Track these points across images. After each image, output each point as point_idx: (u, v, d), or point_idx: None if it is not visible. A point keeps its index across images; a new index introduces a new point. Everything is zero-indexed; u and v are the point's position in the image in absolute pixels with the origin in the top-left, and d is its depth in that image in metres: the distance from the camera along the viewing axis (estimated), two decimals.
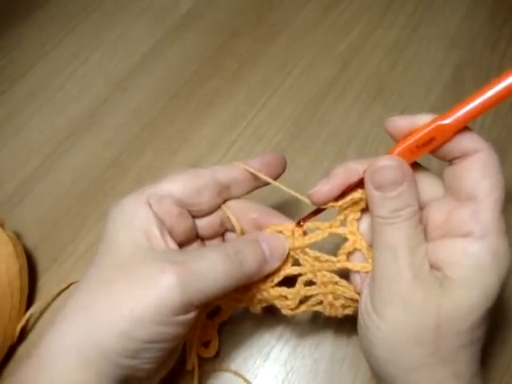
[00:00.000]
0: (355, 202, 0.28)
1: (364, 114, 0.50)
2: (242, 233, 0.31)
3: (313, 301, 0.31)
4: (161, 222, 0.28)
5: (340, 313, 0.31)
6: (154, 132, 0.50)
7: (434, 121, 0.25)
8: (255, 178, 0.31)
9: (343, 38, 0.55)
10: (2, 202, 0.46)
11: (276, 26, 0.57)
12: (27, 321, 0.39)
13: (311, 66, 0.53)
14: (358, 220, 0.29)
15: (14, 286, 0.37)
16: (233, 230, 0.32)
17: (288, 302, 0.30)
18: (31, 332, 0.39)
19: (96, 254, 0.27)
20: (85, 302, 0.25)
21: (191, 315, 0.26)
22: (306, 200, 0.29)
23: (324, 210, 0.29)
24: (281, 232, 0.30)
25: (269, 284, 0.30)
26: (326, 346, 0.38)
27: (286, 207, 0.42)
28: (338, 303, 0.30)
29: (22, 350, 0.39)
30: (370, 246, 0.28)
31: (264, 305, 0.32)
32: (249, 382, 0.36)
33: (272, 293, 0.30)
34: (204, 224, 0.31)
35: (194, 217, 0.31)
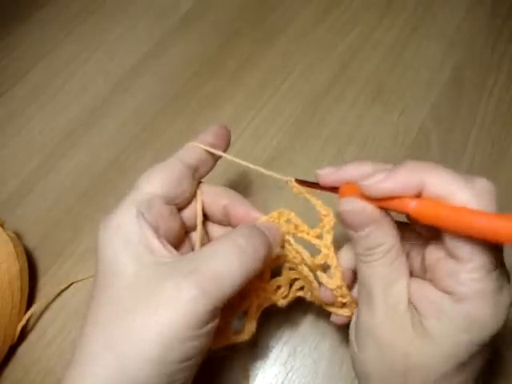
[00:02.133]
0: (331, 218, 0.29)
1: (364, 114, 0.50)
2: (205, 226, 0.32)
3: (297, 285, 0.32)
4: (156, 230, 0.27)
5: (318, 302, 0.31)
6: (154, 132, 0.50)
7: (408, 201, 0.23)
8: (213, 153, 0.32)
9: (343, 39, 0.55)
10: (3, 202, 0.46)
11: (276, 27, 0.57)
12: (28, 320, 0.39)
13: (311, 67, 0.53)
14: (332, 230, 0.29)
15: (15, 285, 0.37)
16: (209, 215, 0.32)
17: (282, 290, 0.31)
18: (32, 332, 0.39)
19: (96, 280, 0.26)
20: (107, 339, 0.23)
21: (217, 320, 0.25)
22: (259, 169, 0.30)
23: (319, 189, 0.29)
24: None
25: (264, 280, 0.31)
26: (326, 347, 0.38)
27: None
28: (316, 292, 0.30)
29: (22, 349, 0.39)
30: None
31: (260, 310, 0.32)
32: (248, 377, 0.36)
33: (269, 288, 0.31)
34: (189, 215, 0.31)
35: (179, 210, 0.31)
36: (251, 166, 0.31)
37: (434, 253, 0.24)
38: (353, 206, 0.25)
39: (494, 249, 0.21)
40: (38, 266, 0.42)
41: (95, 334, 0.24)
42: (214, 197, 0.31)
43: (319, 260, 0.29)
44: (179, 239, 0.30)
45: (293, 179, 0.30)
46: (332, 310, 0.30)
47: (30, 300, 0.40)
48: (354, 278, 0.30)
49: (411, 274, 0.26)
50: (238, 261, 0.25)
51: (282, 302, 0.32)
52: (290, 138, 0.49)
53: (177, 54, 0.55)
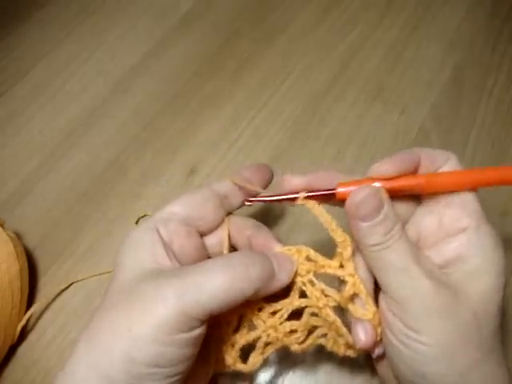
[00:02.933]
0: (347, 243, 0.27)
1: (364, 114, 0.50)
2: (232, 248, 0.32)
3: (318, 332, 0.29)
4: (168, 245, 0.28)
5: (342, 351, 0.29)
6: (154, 132, 0.50)
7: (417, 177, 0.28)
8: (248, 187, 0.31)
9: (343, 39, 0.55)
10: (3, 202, 0.46)
11: (276, 27, 0.57)
12: (28, 320, 0.39)
13: (311, 67, 0.53)
14: (352, 256, 0.28)
15: (15, 285, 0.37)
16: (235, 245, 0.32)
17: (298, 335, 0.29)
18: (32, 332, 0.39)
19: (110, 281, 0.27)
20: (90, 333, 0.25)
21: (195, 333, 0.24)
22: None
23: (291, 200, 0.29)
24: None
25: (277, 320, 0.29)
26: None
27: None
28: (341, 341, 0.29)
29: (22, 349, 0.39)
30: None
31: (270, 351, 0.30)
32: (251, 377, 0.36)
33: (281, 329, 0.29)
34: (213, 242, 0.32)
35: (203, 235, 0.31)
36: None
37: (431, 217, 0.29)
38: (367, 191, 0.26)
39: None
40: (37, 266, 0.42)
41: (84, 333, 0.25)
42: (240, 227, 0.32)
43: (348, 291, 0.27)
44: (196, 261, 0.30)
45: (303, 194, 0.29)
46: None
47: (30, 300, 0.40)
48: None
49: None
50: (223, 276, 0.24)
51: (296, 348, 0.29)
52: (289, 138, 0.49)
53: (177, 54, 0.55)
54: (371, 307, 0.27)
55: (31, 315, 0.39)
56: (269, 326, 0.29)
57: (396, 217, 0.26)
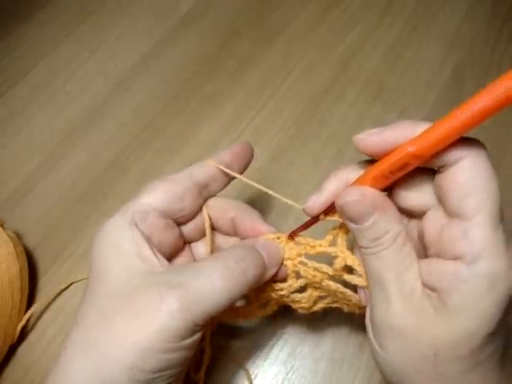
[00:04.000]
0: (343, 224, 0.28)
1: (364, 114, 0.50)
2: (212, 236, 0.32)
3: (329, 299, 0.31)
4: (149, 240, 0.27)
5: (357, 311, 0.30)
6: (154, 132, 0.50)
7: (405, 146, 0.22)
8: (228, 167, 0.31)
9: (343, 39, 0.55)
10: (3, 202, 0.46)
11: (276, 27, 0.57)
12: (28, 320, 0.39)
13: (311, 67, 0.53)
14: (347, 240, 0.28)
15: (15, 285, 0.37)
16: (217, 228, 0.32)
17: (303, 305, 0.31)
18: (32, 332, 0.39)
19: (88, 284, 0.26)
20: (87, 340, 0.24)
21: (197, 336, 0.25)
22: (270, 192, 0.30)
23: (316, 222, 0.29)
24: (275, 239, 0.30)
25: (280, 294, 0.30)
26: (326, 346, 0.38)
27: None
28: (353, 300, 0.29)
29: (22, 349, 0.39)
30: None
31: (276, 308, 0.32)
32: (250, 377, 0.36)
33: (286, 300, 0.31)
34: (190, 228, 0.31)
35: (179, 224, 0.31)
36: (263, 188, 0.30)
37: (436, 223, 0.24)
38: (354, 194, 0.24)
39: (497, 200, 0.22)
40: (38, 266, 0.42)
41: (76, 339, 0.25)
42: (221, 210, 0.31)
43: (338, 264, 0.27)
44: (175, 251, 0.30)
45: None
46: None
47: (30, 300, 0.40)
48: None
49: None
50: (223, 281, 0.24)
51: (304, 311, 0.32)
52: (290, 138, 0.49)
53: (177, 54, 0.55)
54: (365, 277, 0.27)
55: (31, 315, 0.39)
56: (275, 296, 0.31)
57: (391, 224, 0.24)
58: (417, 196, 0.25)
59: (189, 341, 0.24)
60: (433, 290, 0.23)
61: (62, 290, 0.41)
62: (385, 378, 0.26)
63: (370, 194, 0.24)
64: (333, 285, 0.28)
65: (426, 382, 0.24)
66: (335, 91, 0.51)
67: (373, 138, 0.25)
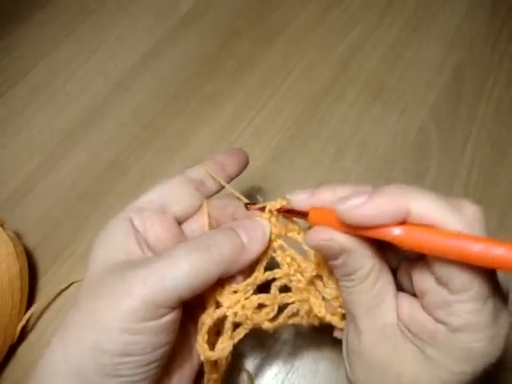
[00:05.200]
0: None
1: (364, 114, 0.50)
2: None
3: (288, 311, 0.28)
4: (141, 235, 0.27)
5: (317, 323, 0.29)
6: (154, 132, 0.50)
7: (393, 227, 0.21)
8: (224, 169, 0.32)
9: (343, 39, 0.55)
10: (3, 202, 0.46)
11: (276, 27, 0.57)
12: (28, 320, 0.39)
13: (311, 67, 0.53)
14: None
15: (15, 285, 0.37)
16: (219, 225, 0.32)
17: (267, 310, 0.27)
18: (31, 332, 0.39)
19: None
20: (61, 327, 0.25)
21: (165, 319, 0.24)
22: (244, 199, 0.30)
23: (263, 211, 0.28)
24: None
25: (242, 295, 0.27)
26: (326, 346, 0.38)
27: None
28: (316, 309, 0.28)
29: (22, 349, 0.39)
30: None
31: (242, 334, 0.27)
32: (251, 376, 0.36)
33: (248, 305, 0.27)
34: (194, 228, 0.31)
35: (181, 222, 0.31)
36: (237, 194, 0.31)
37: (423, 280, 0.23)
38: (319, 238, 0.23)
39: (489, 276, 0.20)
40: (38, 266, 0.42)
41: (61, 323, 0.25)
42: (221, 208, 0.31)
43: (310, 272, 0.27)
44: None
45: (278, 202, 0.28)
46: (335, 324, 0.28)
47: (30, 300, 0.40)
48: None
49: (402, 289, 0.25)
50: (187, 260, 0.24)
51: (268, 325, 0.27)
52: (290, 138, 0.49)
53: (177, 54, 0.55)
54: (334, 290, 0.27)
55: (31, 315, 0.39)
56: (233, 303, 0.26)
57: (362, 261, 0.23)
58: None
59: (154, 323, 0.23)
60: (410, 332, 0.23)
61: (62, 290, 0.41)
62: None
63: (339, 237, 0.23)
64: (303, 280, 0.27)
65: None
66: (335, 91, 0.51)
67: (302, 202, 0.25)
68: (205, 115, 0.51)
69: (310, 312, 0.28)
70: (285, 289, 0.28)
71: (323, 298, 0.28)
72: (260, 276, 0.27)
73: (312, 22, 0.57)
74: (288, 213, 0.27)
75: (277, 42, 0.55)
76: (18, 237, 0.41)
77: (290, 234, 0.28)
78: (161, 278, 0.23)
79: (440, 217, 0.20)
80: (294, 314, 0.28)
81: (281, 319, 0.28)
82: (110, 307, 0.23)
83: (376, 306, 0.24)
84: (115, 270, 0.25)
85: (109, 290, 0.24)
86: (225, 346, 0.26)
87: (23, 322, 0.38)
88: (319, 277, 0.27)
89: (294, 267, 0.27)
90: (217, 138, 0.49)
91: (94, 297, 0.24)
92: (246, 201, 0.30)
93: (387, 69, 0.53)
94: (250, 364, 0.37)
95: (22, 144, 0.50)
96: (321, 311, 0.27)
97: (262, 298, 0.27)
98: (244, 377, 0.36)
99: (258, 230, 0.27)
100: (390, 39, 0.55)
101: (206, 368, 0.28)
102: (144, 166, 0.48)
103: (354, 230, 0.22)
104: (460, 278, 0.20)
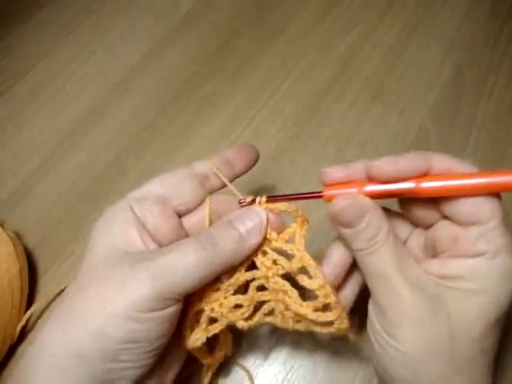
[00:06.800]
0: (303, 221, 0.28)
1: (364, 114, 0.50)
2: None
3: (265, 308, 0.29)
4: (142, 225, 0.28)
5: (291, 326, 0.29)
6: (154, 132, 0.50)
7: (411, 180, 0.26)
8: (231, 166, 0.32)
9: (343, 39, 0.55)
10: (3, 202, 0.46)
11: (276, 27, 0.57)
12: (27, 320, 0.39)
13: (311, 67, 0.53)
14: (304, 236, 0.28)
15: (15, 285, 0.37)
16: None
17: (242, 310, 0.28)
18: (31, 332, 0.39)
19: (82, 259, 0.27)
20: (62, 310, 0.25)
21: (170, 310, 0.25)
22: (240, 196, 0.30)
23: (299, 198, 0.29)
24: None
25: (222, 294, 0.28)
26: (326, 346, 0.38)
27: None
28: (288, 314, 0.28)
29: (22, 349, 0.39)
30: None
31: (217, 329, 0.29)
32: (252, 376, 0.36)
33: (225, 304, 0.28)
34: (193, 222, 0.31)
35: (182, 215, 0.31)
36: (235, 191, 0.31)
37: (448, 232, 0.26)
38: (346, 199, 0.26)
39: (501, 208, 0.25)
40: (38, 266, 0.42)
41: (55, 312, 0.26)
42: (224, 203, 0.31)
43: (296, 263, 0.27)
44: (173, 241, 0.30)
45: (264, 198, 0.29)
46: (314, 328, 0.29)
47: (30, 300, 0.40)
48: (344, 279, 0.29)
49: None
50: (195, 256, 0.25)
51: (242, 324, 0.29)
52: (290, 138, 0.49)
53: (177, 54, 0.55)
54: (319, 280, 0.27)
55: (31, 315, 0.39)
56: (213, 299, 0.28)
57: (382, 222, 0.26)
58: (426, 213, 0.28)
59: (160, 313, 0.24)
60: (448, 280, 0.25)
61: (62, 290, 0.41)
62: (386, 374, 0.26)
63: (361, 199, 0.26)
64: (280, 281, 0.28)
65: (443, 366, 0.25)
66: (335, 91, 0.51)
67: (338, 175, 0.28)
68: (205, 115, 0.51)
69: (284, 312, 0.29)
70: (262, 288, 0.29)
71: (306, 292, 0.28)
72: (241, 277, 0.28)
73: (312, 22, 0.57)
74: (277, 201, 0.29)
75: (277, 42, 0.55)
76: (18, 237, 0.41)
77: (266, 247, 0.28)
78: (171, 271, 0.25)
79: (456, 165, 0.25)
80: (270, 313, 0.29)
81: (256, 317, 0.29)
82: (118, 296, 0.24)
83: (404, 261, 0.26)
84: (120, 258, 0.26)
85: (117, 279, 0.25)
86: (199, 336, 0.28)
87: (23, 322, 0.38)
88: (304, 270, 0.28)
89: (273, 271, 0.28)
90: (217, 138, 0.49)
91: (100, 284, 0.25)
92: (242, 198, 0.30)
93: (387, 69, 0.53)
94: (250, 364, 0.37)
95: (22, 144, 0.50)
96: (300, 308, 0.28)
97: (239, 299, 0.29)
98: (244, 377, 0.36)
99: (254, 218, 0.28)
100: (389, 39, 0.55)
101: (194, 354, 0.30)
102: (144, 166, 0.48)
103: (377, 193, 0.26)
104: (486, 209, 0.24)
